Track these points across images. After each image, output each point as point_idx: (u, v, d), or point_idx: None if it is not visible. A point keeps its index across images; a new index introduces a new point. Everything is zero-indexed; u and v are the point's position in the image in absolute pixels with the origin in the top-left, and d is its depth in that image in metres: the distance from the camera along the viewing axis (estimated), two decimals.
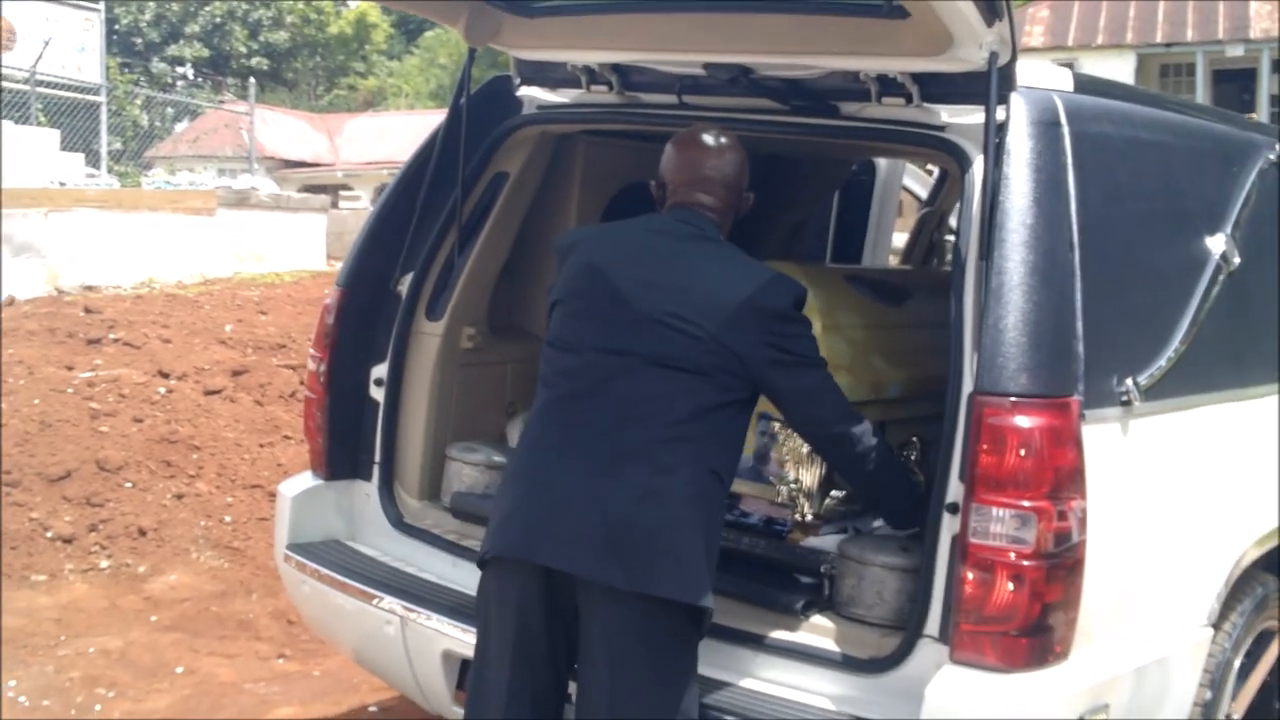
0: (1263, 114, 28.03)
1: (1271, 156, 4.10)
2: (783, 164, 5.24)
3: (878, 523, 3.73)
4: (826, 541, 3.59)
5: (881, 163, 6.10)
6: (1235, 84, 29.25)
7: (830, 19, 3.33)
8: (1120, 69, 29.02)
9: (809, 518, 3.67)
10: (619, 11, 3.72)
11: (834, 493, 3.67)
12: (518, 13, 3.84)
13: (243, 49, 38.67)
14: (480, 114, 4.11)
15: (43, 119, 16.95)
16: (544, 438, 3.21)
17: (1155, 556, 3.26)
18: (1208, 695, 3.49)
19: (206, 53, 37.31)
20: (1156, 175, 3.53)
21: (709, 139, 3.40)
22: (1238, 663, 3.64)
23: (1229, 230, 3.68)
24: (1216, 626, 3.50)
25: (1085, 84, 3.49)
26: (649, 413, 3.12)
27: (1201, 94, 28.47)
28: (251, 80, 23.57)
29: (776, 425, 3.68)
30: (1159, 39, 28.51)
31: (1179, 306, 3.42)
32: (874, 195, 6.18)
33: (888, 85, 3.40)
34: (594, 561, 3.02)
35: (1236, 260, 3.63)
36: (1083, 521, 2.97)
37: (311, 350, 4.21)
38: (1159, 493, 3.27)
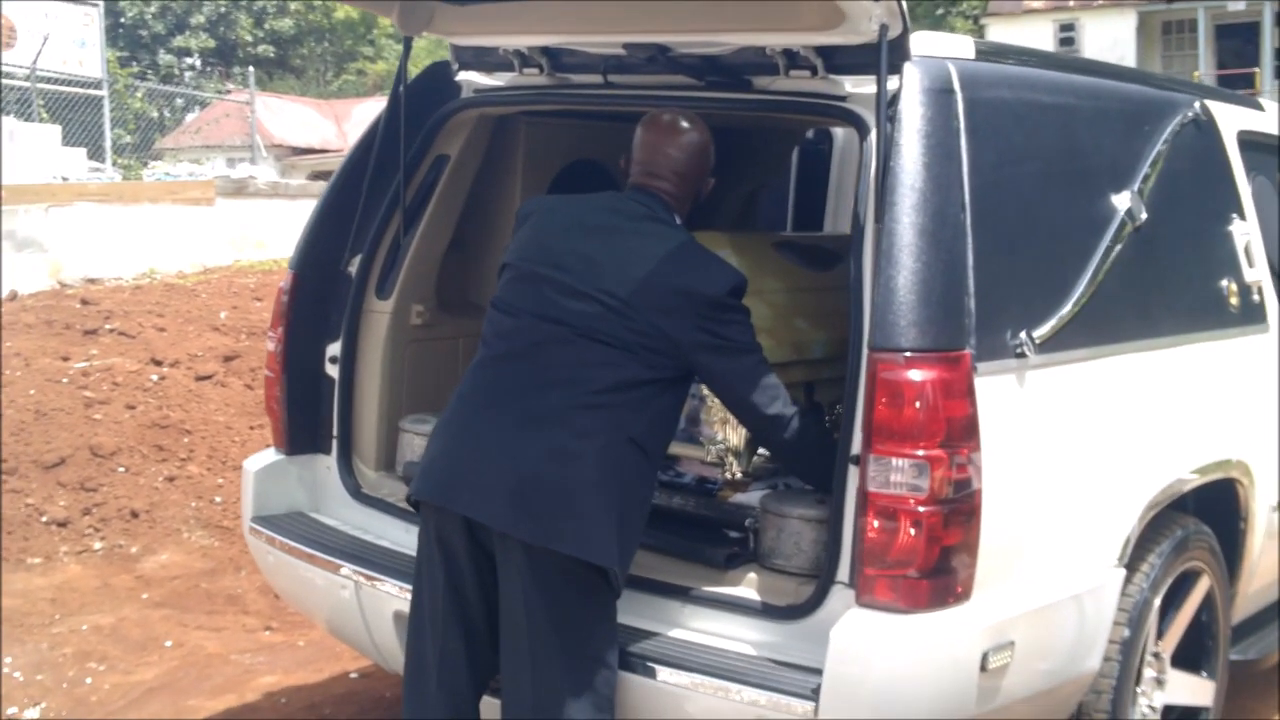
0: (1265, 68, 28.01)
1: (1189, 114, 4.24)
2: (729, 136, 5.39)
3: None
4: (753, 497, 3.75)
5: (838, 131, 6.22)
6: (1238, 39, 29.21)
7: None
8: (1122, 27, 29.07)
9: (738, 475, 3.83)
10: None
11: (761, 451, 3.83)
12: (448, 0, 4.00)
13: (248, 37, 38.84)
14: (421, 99, 4.27)
15: (44, 115, 17.17)
16: (473, 393, 3.41)
17: (1057, 501, 3.41)
18: (1125, 633, 3.64)
19: (212, 43, 37.52)
20: (1056, 137, 3.68)
21: (669, 124, 3.57)
22: (1157, 602, 3.79)
23: (1135, 187, 3.83)
24: (1131, 567, 3.65)
25: (986, 51, 3.63)
26: (573, 379, 3.30)
27: (1204, 49, 28.49)
28: (251, 69, 23.69)
29: (705, 389, 3.83)
30: None
31: (1079, 262, 3.56)
32: (832, 163, 6.30)
33: (794, 59, 3.55)
34: (502, 513, 3.23)
35: (1143, 216, 3.78)
36: (979, 469, 3.13)
37: (269, 331, 4.40)
38: (1058, 441, 3.42)
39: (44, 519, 6.60)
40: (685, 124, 3.57)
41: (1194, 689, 4.08)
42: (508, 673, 3.33)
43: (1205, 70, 27.97)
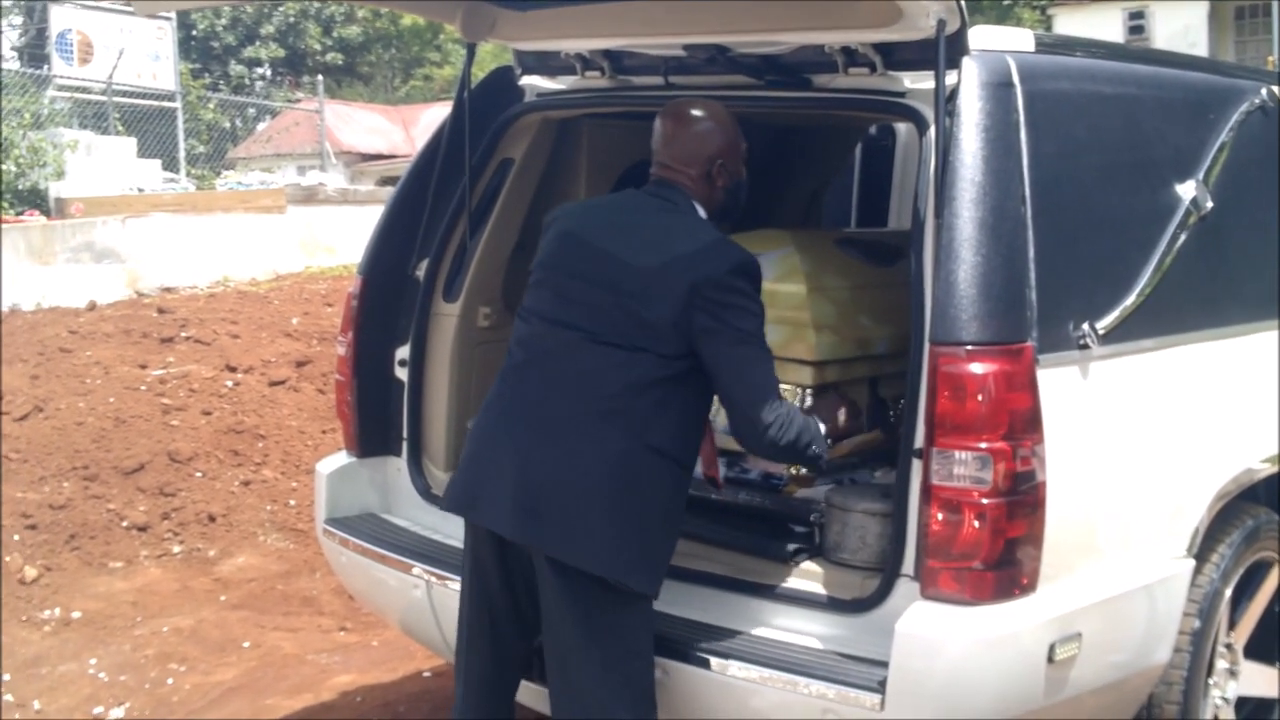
0: None
1: (1257, 101, 4.20)
2: (792, 135, 5.42)
3: (878, 473, 3.92)
4: (818, 492, 3.77)
5: (901, 127, 6.22)
6: None
7: None
8: (1193, 14, 28.66)
9: (804, 471, 3.85)
10: (603, 1, 3.92)
11: None
12: (510, 6, 4.05)
13: (317, 46, 39.21)
14: (485, 104, 4.32)
15: (120, 128, 17.48)
16: (495, 402, 3.46)
17: (1123, 492, 3.40)
18: (1196, 624, 3.62)
19: (282, 53, 37.92)
20: (1118, 127, 3.66)
21: (674, 113, 3.54)
22: (1229, 592, 3.77)
23: (1200, 176, 3.81)
24: (1200, 558, 3.63)
25: (1047, 43, 3.63)
26: (585, 385, 3.29)
27: (1278, 34, 28.00)
28: (320, 77, 23.97)
29: None
30: None
31: (1142, 253, 3.56)
32: (895, 159, 6.30)
33: (853, 56, 3.56)
34: (516, 523, 3.28)
35: (1209, 205, 3.76)
36: (1043, 460, 3.13)
37: (339, 336, 4.48)
38: (1123, 432, 3.41)
39: (125, 524, 6.74)
40: (692, 111, 3.52)
41: (1268, 680, 4.05)
42: (549, 676, 3.38)
43: None
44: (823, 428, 3.41)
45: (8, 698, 5.13)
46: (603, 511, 3.21)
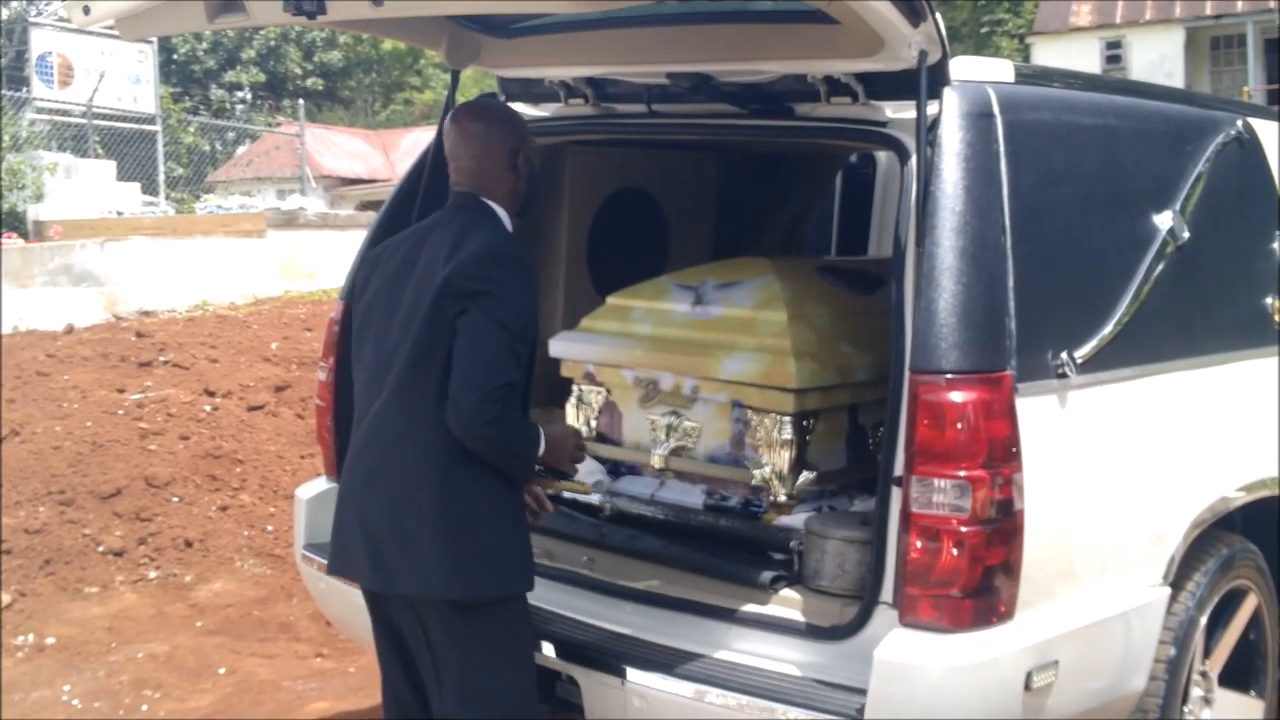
0: None
1: (1231, 133, 4.24)
2: (774, 163, 5.45)
3: (855, 505, 3.93)
4: (797, 520, 3.78)
5: (882, 155, 6.25)
6: None
7: (773, 27, 3.54)
8: (1169, 44, 28.88)
9: (783, 498, 3.86)
10: (587, 29, 3.94)
11: (806, 474, 3.85)
12: (494, 34, 4.07)
13: (298, 70, 39.25)
14: None
15: (100, 150, 17.47)
16: (347, 459, 3.51)
17: (1100, 520, 3.42)
18: (1172, 652, 3.64)
19: (263, 77, 37.95)
20: (1097, 158, 3.70)
21: (454, 121, 3.52)
22: (1204, 620, 3.79)
23: (1177, 207, 3.84)
24: (1176, 586, 3.65)
25: (1027, 74, 3.66)
26: (389, 420, 3.34)
27: (1253, 64, 28.24)
28: (300, 102, 23.98)
29: (749, 411, 3.87)
30: (1208, 11, 28.30)
31: (1120, 283, 3.58)
32: (875, 188, 6.33)
33: (835, 86, 3.59)
34: (369, 572, 3.38)
35: (1185, 235, 3.79)
36: (1021, 489, 3.15)
37: (320, 361, 4.47)
38: (1101, 460, 3.43)
39: (101, 549, 6.71)
40: (467, 116, 3.53)
41: (1243, 708, 4.06)
42: (433, 708, 3.47)
43: (1255, 85, 27.76)
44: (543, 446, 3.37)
45: None
46: (429, 536, 3.25)
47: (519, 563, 3.37)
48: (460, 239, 3.32)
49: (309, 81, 39.31)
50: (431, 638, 3.35)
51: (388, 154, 35.51)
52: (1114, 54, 29.22)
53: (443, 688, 3.36)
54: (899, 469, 3.20)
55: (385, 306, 3.43)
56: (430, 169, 4.31)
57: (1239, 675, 4.05)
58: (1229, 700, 3.98)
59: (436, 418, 3.24)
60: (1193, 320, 3.89)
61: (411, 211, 4.33)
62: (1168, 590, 3.61)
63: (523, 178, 3.52)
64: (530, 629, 3.47)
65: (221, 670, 5.63)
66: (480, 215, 3.42)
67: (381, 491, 3.32)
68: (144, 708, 5.27)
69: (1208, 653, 3.89)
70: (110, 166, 16.72)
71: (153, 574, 6.62)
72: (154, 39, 18.82)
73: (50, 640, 5.87)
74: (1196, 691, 3.84)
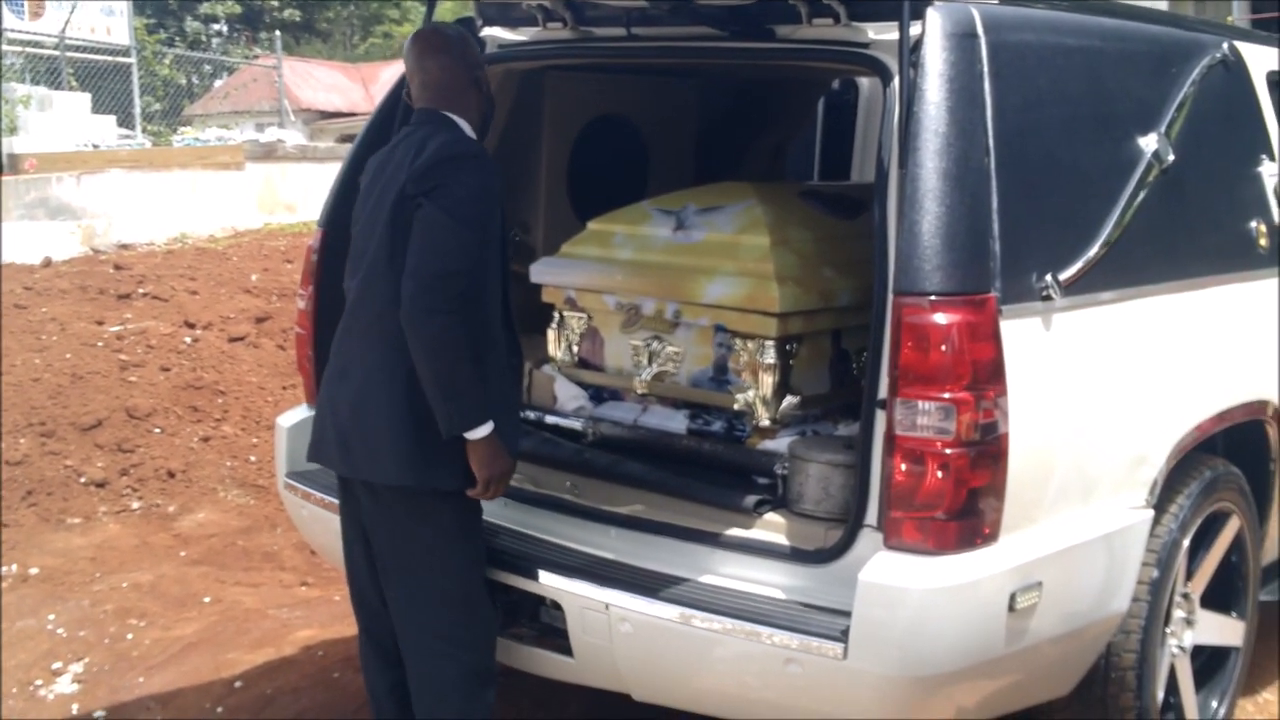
0: None
1: (1217, 55, 4.21)
2: (755, 88, 5.40)
3: (839, 429, 3.92)
4: (781, 444, 3.78)
5: (864, 81, 6.21)
6: None
7: None
8: None
9: (766, 423, 3.85)
10: None
11: (789, 398, 3.85)
12: None
13: (275, 2, 38.78)
14: None
15: (74, 83, 17.25)
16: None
17: (1084, 443, 3.42)
18: (1154, 574, 3.66)
19: (238, 9, 37.47)
20: (1082, 79, 3.66)
21: (412, 42, 3.65)
22: (1186, 543, 3.80)
23: (1162, 129, 3.81)
24: (1159, 509, 3.66)
25: None
26: (360, 317, 3.52)
27: None
28: (278, 34, 23.70)
29: (732, 336, 3.86)
30: None
31: (1105, 205, 3.56)
32: (858, 113, 6.29)
33: (817, 7, 3.55)
34: (338, 459, 3.57)
35: (1170, 158, 3.77)
36: (1005, 411, 3.15)
37: (299, 290, 4.44)
38: (1085, 383, 3.43)
39: (83, 480, 6.69)
40: (427, 34, 3.66)
41: (1224, 629, 4.10)
42: (388, 602, 3.65)
43: (1239, 16, 27.66)
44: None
45: None
46: (388, 426, 3.41)
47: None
48: (422, 146, 3.45)
49: (286, 13, 38.84)
50: (389, 528, 3.53)
51: (367, 87, 35.18)
52: None
53: (395, 581, 3.56)
54: (883, 391, 3.19)
55: (363, 221, 3.59)
56: (406, 97, 4.26)
57: (1220, 596, 4.07)
58: (1210, 621, 4.01)
59: (396, 316, 3.34)
60: (1177, 243, 3.87)
61: (389, 139, 4.28)
62: (1151, 513, 3.62)
63: (485, 94, 3.63)
64: (481, 533, 3.59)
65: (206, 599, 5.63)
66: (444, 126, 3.53)
67: (348, 385, 3.50)
68: (129, 636, 5.27)
69: (1190, 575, 3.91)
70: (85, 99, 16.53)
71: (135, 505, 6.61)
72: None
73: (34, 570, 5.86)
74: (1179, 613, 3.87)
